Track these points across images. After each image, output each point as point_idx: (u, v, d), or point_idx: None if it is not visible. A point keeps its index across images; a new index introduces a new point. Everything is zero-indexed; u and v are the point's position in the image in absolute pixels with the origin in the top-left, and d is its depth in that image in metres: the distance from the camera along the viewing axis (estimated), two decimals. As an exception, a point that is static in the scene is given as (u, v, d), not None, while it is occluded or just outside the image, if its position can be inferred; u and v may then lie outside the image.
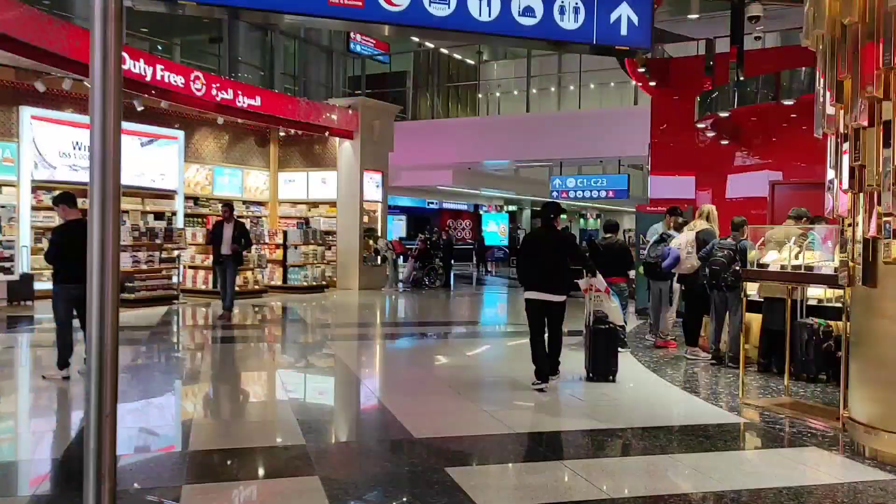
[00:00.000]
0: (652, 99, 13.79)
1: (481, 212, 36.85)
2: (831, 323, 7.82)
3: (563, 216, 8.14)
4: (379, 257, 19.80)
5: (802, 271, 6.10)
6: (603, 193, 22.56)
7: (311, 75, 24.99)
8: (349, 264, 19.22)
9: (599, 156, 21.97)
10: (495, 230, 34.16)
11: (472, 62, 29.07)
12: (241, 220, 15.00)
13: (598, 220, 46.27)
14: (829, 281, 5.97)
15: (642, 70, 12.37)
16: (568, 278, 7.32)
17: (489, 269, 29.31)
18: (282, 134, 19.56)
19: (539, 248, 7.31)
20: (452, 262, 21.40)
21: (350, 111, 19.09)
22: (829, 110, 5.35)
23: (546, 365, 7.27)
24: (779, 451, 5.56)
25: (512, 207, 39.11)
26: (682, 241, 9.05)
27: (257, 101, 16.55)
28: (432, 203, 34.38)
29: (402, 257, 20.29)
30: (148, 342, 10.15)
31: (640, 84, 13.11)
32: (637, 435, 5.78)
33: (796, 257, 6.44)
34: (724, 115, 10.64)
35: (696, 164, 13.31)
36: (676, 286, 9.90)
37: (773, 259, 6.83)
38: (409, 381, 7.87)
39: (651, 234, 10.68)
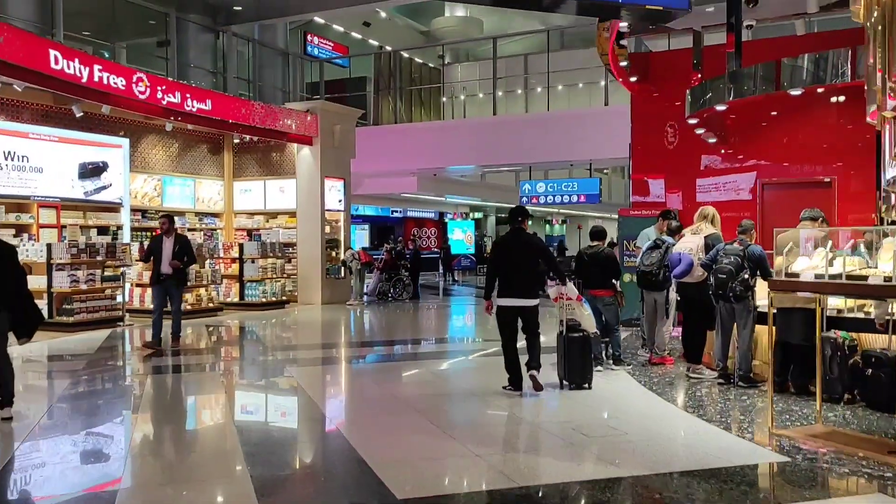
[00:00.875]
0: (632, 96, 12.97)
1: (447, 219, 35.89)
2: (856, 335, 7.00)
3: (530, 221, 8.49)
4: (343, 269, 18.71)
5: (868, 282, 5.19)
6: (574, 198, 21.74)
7: (267, 80, 23.81)
8: (311, 277, 18.10)
9: (570, 159, 21.18)
10: (461, 238, 33.25)
11: (434, 65, 28.14)
12: (183, 233, 13.75)
13: (564, 225, 45.66)
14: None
15: (624, 64, 11.51)
16: (539, 282, 7.54)
17: (455, 279, 28.35)
18: (236, 141, 18.40)
19: (510, 253, 7.32)
20: (420, 272, 20.38)
21: (309, 116, 18.01)
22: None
23: (519, 372, 7.33)
24: (841, 501, 4.66)
25: (478, 214, 38.24)
26: (693, 247, 8.16)
27: (208, 105, 15.38)
28: (396, 211, 33.33)
29: (368, 268, 19.21)
30: (84, 371, 8.96)
31: (620, 79, 12.26)
32: (667, 484, 4.81)
33: (830, 264, 5.57)
34: (720, 108, 9.82)
35: (678, 164, 12.51)
36: (673, 296, 9.03)
37: (805, 266, 5.95)
38: (383, 414, 6.83)
39: (642, 240, 9.80)
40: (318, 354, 10.83)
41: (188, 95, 14.92)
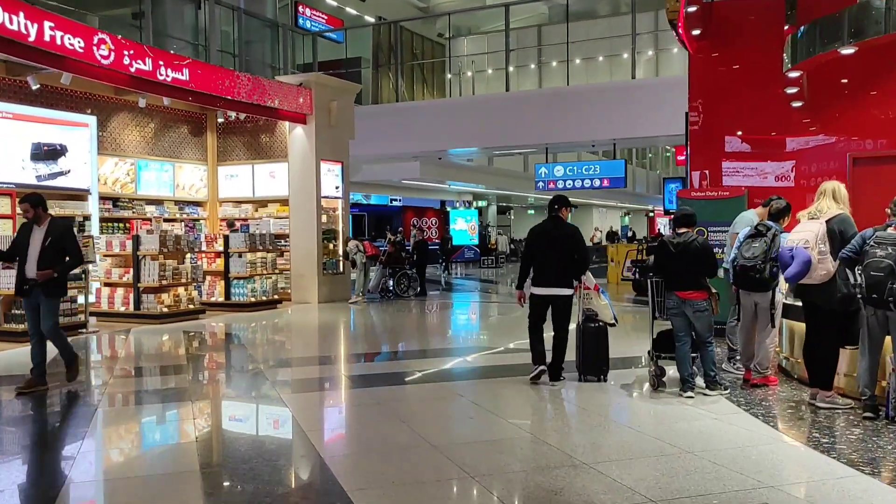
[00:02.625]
0: (690, 57, 10.89)
1: (449, 208, 33.79)
2: None
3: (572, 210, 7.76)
4: (341, 263, 16.64)
5: None
6: (597, 182, 19.68)
7: (254, 55, 21.63)
8: (306, 273, 16.03)
9: (593, 139, 19.14)
10: (465, 228, 31.19)
11: (437, 39, 25.93)
12: (62, 218, 11.11)
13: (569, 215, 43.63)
14: None
15: (693, 8, 9.39)
16: (575, 272, 7.18)
17: (450, 271, 26.17)
18: (220, 120, 16.29)
19: (546, 242, 7.17)
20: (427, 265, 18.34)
21: (302, 90, 15.89)
22: None
23: (543, 349, 7.23)
24: None
25: (482, 203, 36.15)
26: (810, 238, 6.09)
27: (184, 75, 13.23)
28: (396, 200, 31.22)
29: (373, 261, 17.15)
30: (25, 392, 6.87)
31: (683, 34, 10.17)
32: None
33: None
34: (847, 51, 7.77)
35: (759, 133, 10.48)
36: (780, 298, 7.00)
37: None
38: (412, 473, 4.78)
39: (739, 226, 7.75)
40: (316, 373, 8.74)
41: (161, 63, 12.77)
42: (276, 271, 15.56)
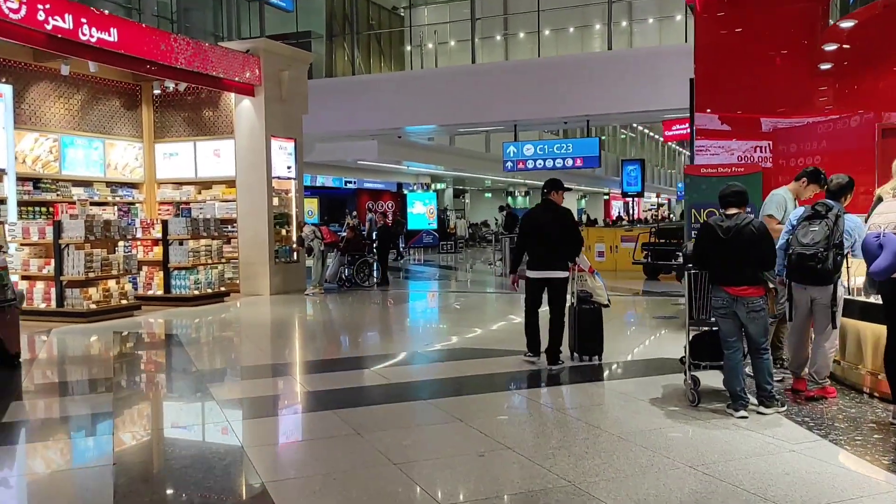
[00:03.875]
0: (698, 23, 9.61)
1: (406, 191, 32.26)
2: None
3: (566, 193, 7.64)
4: (294, 251, 15.10)
5: None
6: (569, 162, 18.40)
7: (195, 22, 19.76)
8: (256, 262, 14.45)
9: (565, 115, 17.86)
10: (423, 212, 29.74)
11: (395, 8, 24.25)
12: None
13: (527, 197, 42.56)
14: None
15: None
16: (570, 255, 7.21)
17: (403, 256, 24.69)
18: (157, 92, 14.54)
19: (541, 225, 7.19)
20: (395, 250, 16.92)
21: (250, 58, 14.24)
22: None
23: (538, 339, 7.26)
24: None
25: (441, 185, 34.69)
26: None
27: (112, 36, 11.48)
28: (350, 182, 29.56)
29: (332, 249, 15.64)
30: None
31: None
32: None
33: None
34: None
35: (767, 104, 9.31)
36: (842, 293, 5.77)
37: None
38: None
39: (778, 208, 6.46)
40: (272, 387, 7.26)
41: (84, 21, 11.01)
42: (223, 260, 13.94)
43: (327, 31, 22.27)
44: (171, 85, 13.89)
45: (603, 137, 45.89)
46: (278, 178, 14.77)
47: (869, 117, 8.63)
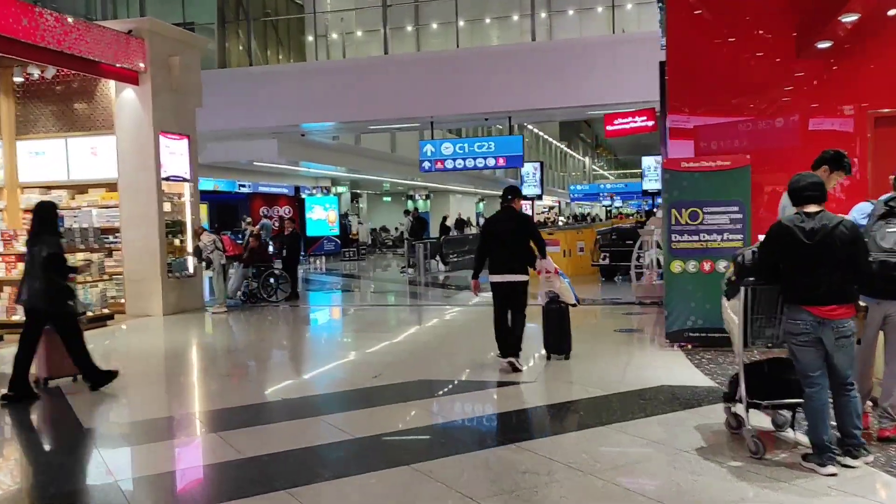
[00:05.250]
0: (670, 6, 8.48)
1: (304, 195, 30.20)
2: None
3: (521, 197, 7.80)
4: (191, 263, 13.13)
5: None
6: (491, 161, 17.12)
7: (64, 5, 17.30)
8: (146, 278, 12.41)
9: (485, 111, 16.57)
10: (323, 217, 27.85)
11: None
12: None
13: (428, 200, 41.27)
14: None
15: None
16: (529, 259, 7.42)
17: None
18: (19, 80, 12.30)
19: (501, 232, 7.35)
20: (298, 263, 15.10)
21: (133, 41, 12.21)
22: None
23: (511, 340, 7.28)
24: None
25: (342, 188, 32.77)
26: None
27: (-42, 4, 9.29)
28: (244, 186, 27.29)
29: (234, 261, 13.73)
30: None
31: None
32: None
33: None
34: None
35: (743, 89, 8.27)
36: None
37: None
38: None
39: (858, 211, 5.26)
40: (176, 453, 5.52)
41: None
42: (105, 277, 11.85)
43: (219, 17, 20.11)
44: (36, 71, 11.69)
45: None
46: (170, 179, 12.77)
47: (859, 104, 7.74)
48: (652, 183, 26.46)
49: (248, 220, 24.50)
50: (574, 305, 7.69)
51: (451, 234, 26.20)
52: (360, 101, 17.32)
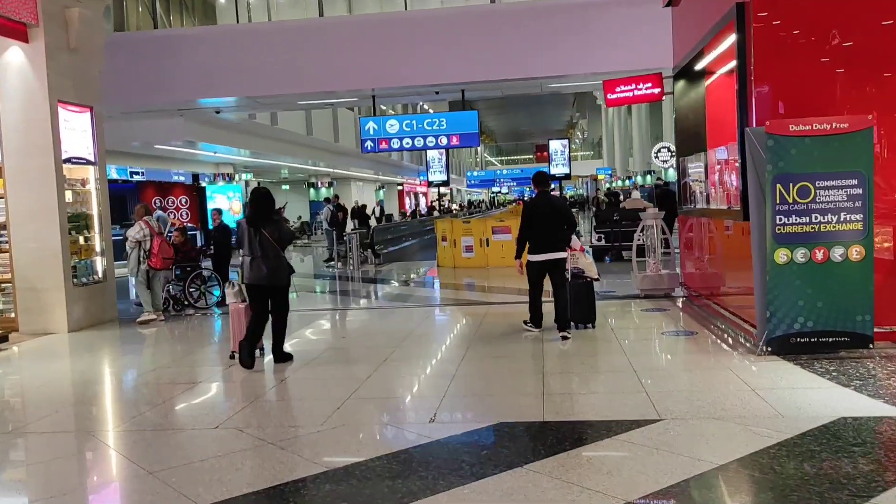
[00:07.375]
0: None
1: (204, 182, 27.17)
2: None
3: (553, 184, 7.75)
4: (100, 265, 10.59)
5: None
6: (443, 140, 15.14)
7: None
8: (44, 286, 9.87)
9: (434, 83, 14.57)
10: (227, 207, 25.05)
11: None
12: None
13: (332, 188, 38.81)
14: None
15: None
16: (566, 239, 8.14)
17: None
18: None
19: (543, 215, 7.99)
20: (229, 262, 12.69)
21: (18, -17, 9.55)
22: None
23: (541, 312, 8.18)
24: None
25: (248, 176, 29.86)
26: None
27: None
28: (137, 173, 24.10)
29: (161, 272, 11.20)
30: None
31: None
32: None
33: None
34: None
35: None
36: None
37: None
38: None
39: None
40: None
41: None
42: (-9, 287, 9.23)
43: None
44: None
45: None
46: (73, 161, 10.20)
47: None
48: (559, 167, 25.26)
49: (160, 214, 21.49)
50: (597, 280, 8.50)
51: (371, 224, 24.11)
52: (287, 72, 14.97)
